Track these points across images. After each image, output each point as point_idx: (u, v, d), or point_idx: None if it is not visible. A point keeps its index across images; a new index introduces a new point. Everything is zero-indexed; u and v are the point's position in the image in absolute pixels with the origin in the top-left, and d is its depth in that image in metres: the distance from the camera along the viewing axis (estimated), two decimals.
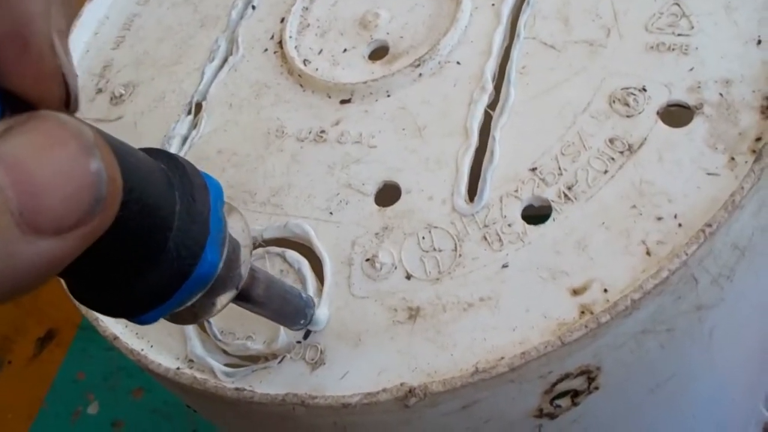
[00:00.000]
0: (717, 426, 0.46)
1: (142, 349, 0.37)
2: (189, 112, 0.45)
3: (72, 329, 1.19)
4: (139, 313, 0.23)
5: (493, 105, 0.37)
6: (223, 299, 0.26)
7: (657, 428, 0.39)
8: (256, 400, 0.33)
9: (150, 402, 1.07)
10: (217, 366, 0.35)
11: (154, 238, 0.22)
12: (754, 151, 0.32)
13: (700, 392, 0.39)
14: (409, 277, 0.34)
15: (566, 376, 0.31)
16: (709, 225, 0.30)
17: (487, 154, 0.36)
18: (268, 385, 0.34)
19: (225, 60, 0.47)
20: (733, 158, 0.32)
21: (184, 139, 0.43)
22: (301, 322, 0.33)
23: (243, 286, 0.27)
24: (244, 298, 0.29)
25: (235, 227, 0.27)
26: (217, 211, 0.24)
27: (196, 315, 0.26)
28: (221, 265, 0.25)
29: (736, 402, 0.47)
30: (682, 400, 0.38)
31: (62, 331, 1.19)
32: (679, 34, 0.36)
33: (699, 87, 0.34)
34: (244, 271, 0.27)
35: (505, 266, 0.33)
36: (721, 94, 0.34)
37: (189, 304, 0.25)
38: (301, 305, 0.33)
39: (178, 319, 0.26)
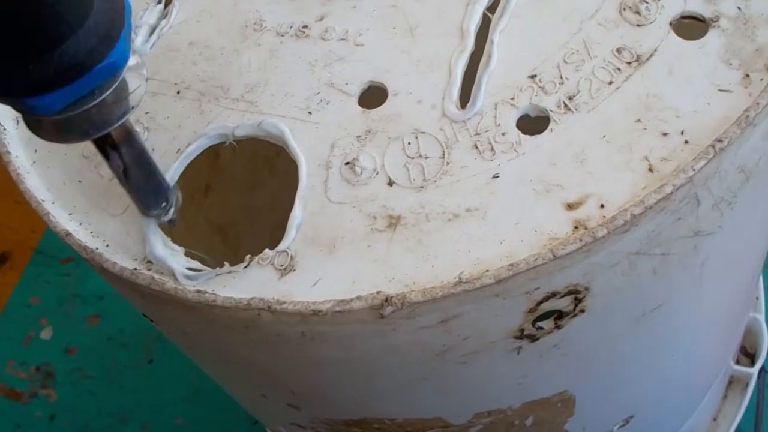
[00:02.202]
0: (690, 369, 0.45)
1: (97, 248, 0.34)
2: (159, 1, 0.41)
3: (27, 253, 1.14)
4: (39, 91, 0.23)
5: (492, 8, 0.35)
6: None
7: (634, 362, 0.38)
8: (218, 303, 0.30)
9: (106, 329, 1.04)
10: (178, 268, 0.32)
11: (77, 10, 0.23)
12: None
13: (682, 328, 0.38)
14: (391, 183, 0.32)
15: (553, 295, 0.29)
16: (720, 141, 0.28)
17: (484, 58, 0.33)
18: (233, 289, 0.31)
19: None
20: (747, 75, 0.30)
21: (152, 29, 0.40)
22: (163, 205, 0.32)
23: (120, 134, 0.28)
24: (114, 144, 0.29)
25: None
26: (128, 15, 0.25)
27: (86, 131, 0.27)
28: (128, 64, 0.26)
29: (713, 346, 0.47)
30: (664, 334, 0.36)
31: (16, 254, 1.15)
32: None
33: None
34: (133, 102, 0.27)
35: (495, 176, 0.30)
36: (738, 8, 0.31)
37: (85, 108, 0.25)
38: (164, 186, 0.32)
39: (67, 128, 0.26)
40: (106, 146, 0.29)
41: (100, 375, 0.99)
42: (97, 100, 0.25)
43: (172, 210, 0.33)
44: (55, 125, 0.26)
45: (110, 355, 1.01)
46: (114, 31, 0.24)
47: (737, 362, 0.66)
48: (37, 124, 0.27)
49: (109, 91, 0.26)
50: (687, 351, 0.41)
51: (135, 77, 0.28)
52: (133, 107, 0.28)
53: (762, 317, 0.67)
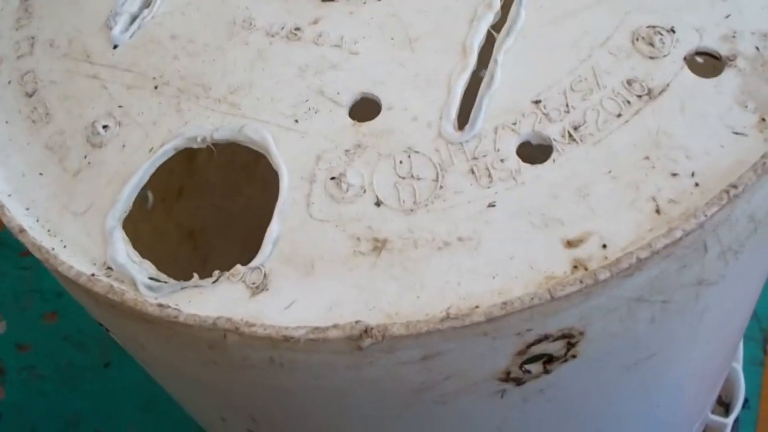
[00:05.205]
0: (673, 418, 0.44)
1: (53, 248, 0.31)
2: None
3: None
4: None
5: (497, 26, 0.33)
6: None
7: (619, 410, 0.36)
8: (181, 320, 0.28)
9: (62, 328, 1.00)
10: (140, 278, 0.30)
11: None
12: None
13: (672, 378, 0.36)
14: (378, 203, 0.29)
15: (545, 338, 0.27)
16: (735, 186, 0.26)
17: (486, 78, 0.31)
18: (198, 305, 0.28)
19: None
20: (764, 119, 0.28)
21: (133, 18, 0.37)
22: None
23: None
24: None
25: None
26: None
27: None
28: None
29: (697, 396, 0.45)
30: (653, 383, 0.34)
31: None
32: None
33: (734, 37, 0.30)
34: None
35: (491, 205, 0.28)
36: (757, 48, 0.30)
37: None
38: None
39: None
40: None
41: (53, 375, 0.95)
42: None
43: None
44: None
45: (65, 355, 0.97)
46: None
47: (712, 411, 0.64)
48: None
49: None
50: (673, 400, 0.40)
51: None
52: None
53: (739, 366, 0.65)
